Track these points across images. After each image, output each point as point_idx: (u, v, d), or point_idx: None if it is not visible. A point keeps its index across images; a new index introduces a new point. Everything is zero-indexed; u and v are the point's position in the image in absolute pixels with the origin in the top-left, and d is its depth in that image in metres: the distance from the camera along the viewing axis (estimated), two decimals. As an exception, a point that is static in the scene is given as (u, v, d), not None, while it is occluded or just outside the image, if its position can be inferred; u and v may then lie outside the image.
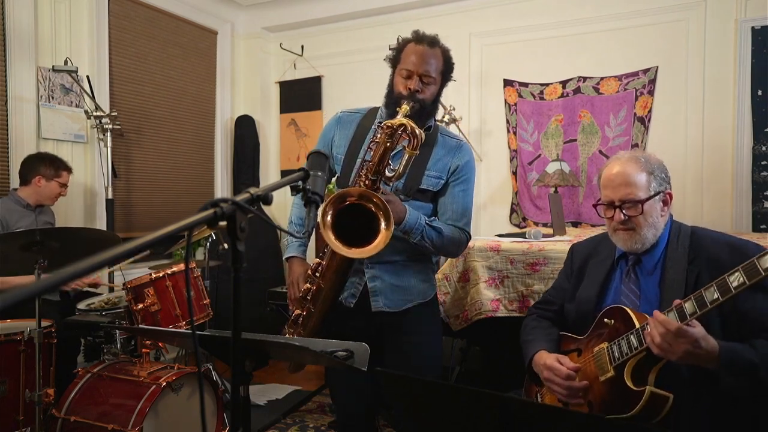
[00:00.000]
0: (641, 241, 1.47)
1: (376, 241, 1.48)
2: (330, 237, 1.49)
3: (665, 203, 1.50)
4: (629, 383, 1.34)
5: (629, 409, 1.31)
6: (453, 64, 1.78)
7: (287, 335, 1.71)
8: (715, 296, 1.22)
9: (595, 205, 1.57)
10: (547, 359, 1.54)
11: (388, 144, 1.55)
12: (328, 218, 1.50)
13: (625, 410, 1.32)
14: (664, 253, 1.49)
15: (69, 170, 3.06)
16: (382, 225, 1.48)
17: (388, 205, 1.49)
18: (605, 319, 1.47)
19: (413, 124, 1.53)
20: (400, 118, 1.55)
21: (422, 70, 1.69)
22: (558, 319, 1.72)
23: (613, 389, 1.38)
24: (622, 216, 1.47)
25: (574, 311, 1.63)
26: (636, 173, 1.47)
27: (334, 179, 1.86)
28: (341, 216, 1.51)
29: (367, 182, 1.58)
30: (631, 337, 1.36)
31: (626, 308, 1.42)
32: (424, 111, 1.72)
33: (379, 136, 1.57)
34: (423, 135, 1.55)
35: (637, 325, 1.36)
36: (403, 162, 1.56)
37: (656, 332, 1.26)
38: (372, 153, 1.58)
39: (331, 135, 1.86)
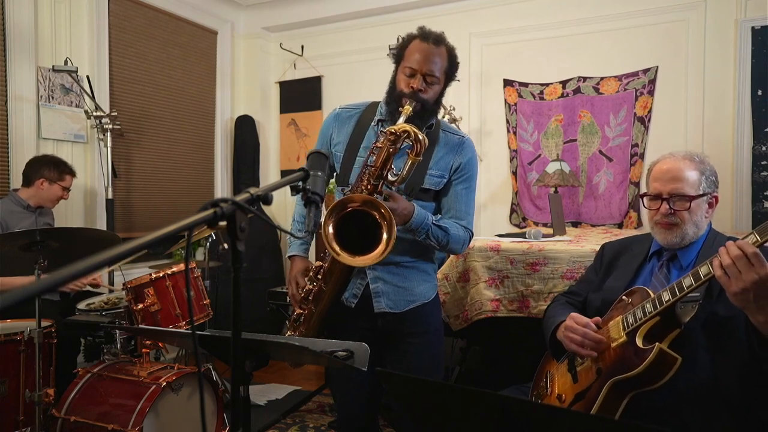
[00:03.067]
0: (681, 235, 1.49)
1: (378, 250, 1.47)
2: (335, 248, 1.49)
3: (711, 206, 1.52)
4: (640, 343, 1.34)
5: (636, 366, 1.31)
6: (458, 63, 1.76)
7: (288, 334, 1.72)
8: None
9: (641, 196, 1.58)
10: (571, 314, 1.55)
11: (391, 149, 1.54)
12: (330, 229, 1.49)
13: (632, 368, 1.32)
14: (699, 253, 1.50)
15: (73, 174, 3.04)
16: (384, 236, 1.47)
17: (392, 213, 1.48)
18: (624, 297, 1.48)
19: (417, 130, 1.52)
20: (403, 124, 1.53)
21: (426, 69, 1.66)
22: (582, 309, 1.72)
23: (624, 352, 1.38)
24: (668, 209, 1.48)
25: (600, 299, 1.63)
26: (689, 170, 1.49)
27: (333, 177, 1.85)
28: (343, 221, 1.51)
29: (369, 186, 1.57)
30: (647, 304, 1.37)
31: (646, 288, 1.43)
32: (427, 111, 1.70)
33: (381, 140, 1.56)
34: (426, 141, 1.54)
35: (653, 296, 1.37)
36: (407, 167, 1.55)
37: (728, 254, 1.21)
38: (375, 158, 1.57)
39: (330, 132, 1.84)
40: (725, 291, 1.24)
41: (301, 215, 1.91)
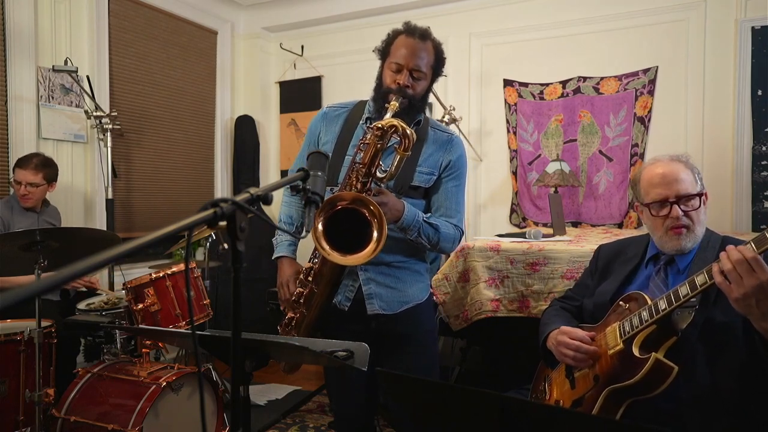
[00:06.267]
0: (694, 239, 1.47)
1: (368, 249, 1.46)
2: (325, 247, 1.47)
3: (704, 204, 1.51)
4: (636, 353, 1.34)
5: (632, 376, 1.31)
6: (444, 58, 1.74)
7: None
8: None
9: (647, 204, 1.51)
10: (563, 327, 1.55)
11: (379, 145, 1.52)
12: (320, 227, 1.47)
13: (628, 377, 1.32)
14: (695, 255, 1.49)
15: (22, 166, 2.85)
16: (375, 234, 1.46)
17: (382, 209, 1.47)
18: (621, 302, 1.47)
19: (404, 125, 1.50)
20: (390, 119, 1.52)
21: (413, 64, 1.65)
22: (578, 314, 1.72)
23: (620, 360, 1.38)
24: (680, 211, 1.45)
25: (592, 303, 1.63)
26: (683, 171, 1.48)
27: None
28: (332, 220, 1.49)
29: (358, 184, 1.55)
30: (643, 312, 1.36)
31: (642, 293, 1.42)
32: (414, 107, 1.69)
33: (369, 136, 1.54)
34: (414, 135, 1.52)
35: (650, 303, 1.36)
36: (395, 163, 1.53)
37: (729, 259, 1.20)
38: (362, 154, 1.56)
39: (318, 131, 1.82)
40: (727, 297, 1.23)
41: (288, 216, 1.89)
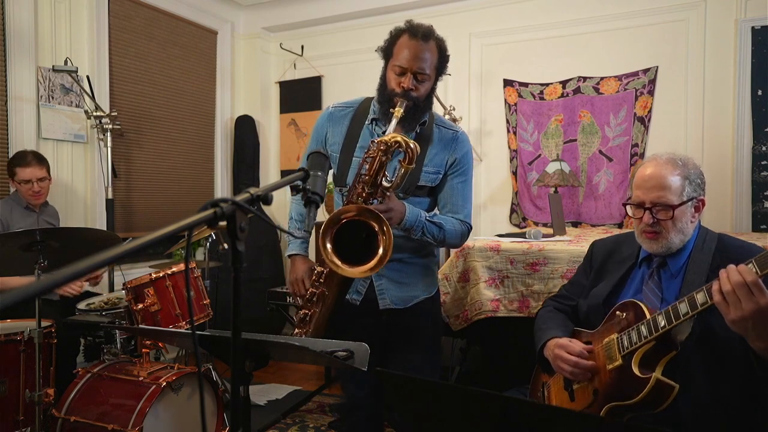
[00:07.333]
0: (667, 245, 1.45)
1: (377, 259, 1.48)
2: (335, 261, 1.50)
3: (697, 209, 1.47)
4: (636, 371, 1.34)
5: (634, 395, 1.31)
6: (448, 56, 1.75)
7: (296, 332, 1.72)
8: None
9: (624, 204, 1.54)
10: (559, 340, 1.53)
11: (384, 159, 1.54)
12: (328, 243, 1.49)
13: (630, 397, 1.32)
14: (689, 258, 1.47)
15: (24, 165, 2.83)
16: (381, 247, 1.48)
17: (386, 215, 1.49)
18: (617, 312, 1.46)
19: (407, 139, 1.52)
20: (394, 135, 1.54)
21: (417, 67, 1.65)
22: (573, 314, 1.70)
23: (620, 377, 1.38)
24: (651, 218, 1.43)
25: (586, 306, 1.62)
26: (671, 177, 1.43)
27: (330, 177, 1.85)
28: (341, 231, 1.51)
29: (364, 194, 1.58)
30: (642, 327, 1.35)
31: (640, 303, 1.41)
32: (418, 108, 1.70)
33: (373, 149, 1.56)
34: (418, 148, 1.54)
35: (648, 317, 1.35)
36: (399, 174, 1.56)
37: (729, 280, 1.18)
38: (367, 167, 1.57)
39: (324, 132, 1.83)
40: (724, 317, 1.21)
41: (300, 213, 1.91)
